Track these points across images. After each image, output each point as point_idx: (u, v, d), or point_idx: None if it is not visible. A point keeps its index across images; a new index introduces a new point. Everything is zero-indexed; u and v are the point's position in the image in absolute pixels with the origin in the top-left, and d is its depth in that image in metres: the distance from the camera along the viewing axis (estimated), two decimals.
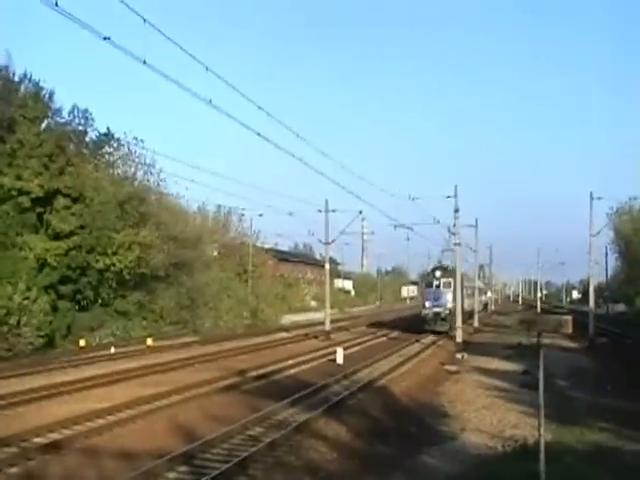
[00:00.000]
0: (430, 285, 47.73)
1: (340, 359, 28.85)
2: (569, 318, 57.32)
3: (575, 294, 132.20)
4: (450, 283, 45.67)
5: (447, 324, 45.33)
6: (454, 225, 41.57)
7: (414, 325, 49.12)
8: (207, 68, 17.23)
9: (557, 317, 62.82)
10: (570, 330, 52.52)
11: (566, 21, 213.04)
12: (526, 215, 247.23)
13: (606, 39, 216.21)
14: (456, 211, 40.99)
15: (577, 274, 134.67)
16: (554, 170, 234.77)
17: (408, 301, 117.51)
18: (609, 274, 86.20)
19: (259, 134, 21.34)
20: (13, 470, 12.18)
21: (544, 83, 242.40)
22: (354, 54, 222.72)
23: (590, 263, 47.93)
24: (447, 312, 45.68)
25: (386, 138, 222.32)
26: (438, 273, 47.64)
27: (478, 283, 68.32)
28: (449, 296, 45.82)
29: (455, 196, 40.75)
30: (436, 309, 46.24)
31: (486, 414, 19.15)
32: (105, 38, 14.47)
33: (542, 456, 10.94)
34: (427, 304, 46.86)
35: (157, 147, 74.28)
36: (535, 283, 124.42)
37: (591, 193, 43.74)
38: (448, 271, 48.37)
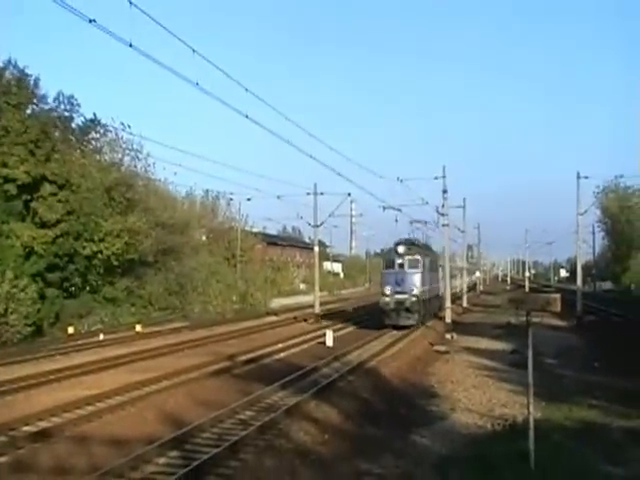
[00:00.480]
0: (391, 265, 36.45)
1: (330, 341, 28.90)
2: (557, 296, 57.06)
3: (563, 273, 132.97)
4: (418, 262, 36.10)
5: (415, 316, 35.21)
6: (442, 206, 41.47)
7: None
8: (194, 51, 17.04)
9: (545, 295, 63.03)
10: (558, 308, 52.21)
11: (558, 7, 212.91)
12: (514, 195, 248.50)
13: (598, 24, 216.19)
14: (444, 192, 40.87)
15: (565, 253, 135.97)
16: (542, 151, 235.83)
17: None
18: (596, 252, 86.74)
19: (247, 116, 21.16)
20: (2, 459, 12.13)
21: (531, 65, 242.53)
22: (343, 39, 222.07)
23: (577, 242, 48.15)
24: (414, 300, 35.09)
25: (374, 120, 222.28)
26: (401, 249, 36.13)
27: (461, 263, 63.31)
28: (416, 279, 35.68)
29: (443, 177, 40.63)
30: (399, 296, 35.01)
31: (475, 393, 19.24)
32: (91, 21, 14.26)
33: (531, 434, 11.03)
34: (387, 290, 35.37)
35: (144, 132, 73.63)
36: (523, 263, 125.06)
37: (578, 172, 43.84)
38: (416, 246, 38.54)
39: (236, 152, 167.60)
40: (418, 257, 36.20)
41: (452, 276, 50.98)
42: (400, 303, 34.94)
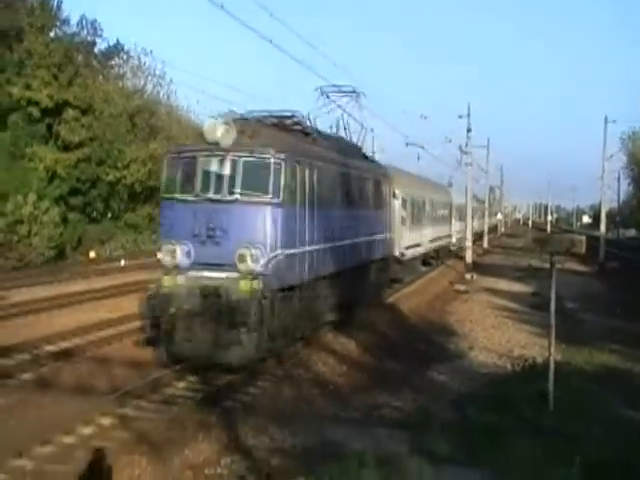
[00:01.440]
0: (187, 186, 12.81)
1: None
2: (582, 238, 57.30)
3: (586, 219, 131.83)
4: (281, 173, 12.57)
5: (251, 337, 11.78)
6: (466, 145, 40.84)
7: None
8: None
9: (570, 236, 62.89)
10: (583, 250, 52.55)
11: None
12: (539, 139, 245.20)
13: None
14: (468, 130, 40.20)
15: (588, 199, 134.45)
16: (570, 94, 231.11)
17: None
18: (621, 199, 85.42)
19: (271, 41, 20.49)
20: (26, 375, 12.31)
21: (559, 4, 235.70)
22: None
23: (602, 187, 47.41)
24: (249, 288, 11.91)
25: (400, 54, 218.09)
26: (221, 132, 12.48)
27: (455, 197, 41.86)
28: (262, 225, 12.43)
29: (468, 115, 39.92)
30: (209, 275, 12.26)
31: (494, 334, 19.19)
32: None
33: (551, 375, 10.95)
34: (168, 257, 12.52)
35: (167, 57, 72.53)
36: (545, 207, 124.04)
37: (606, 117, 43.03)
38: (271, 129, 14.43)
39: (260, 79, 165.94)
40: (270, 157, 12.64)
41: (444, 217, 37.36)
42: (204, 298, 12.03)
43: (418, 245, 28.08)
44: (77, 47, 37.80)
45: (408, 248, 25.49)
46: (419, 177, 34.87)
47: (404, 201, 25.12)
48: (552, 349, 11.37)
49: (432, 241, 31.72)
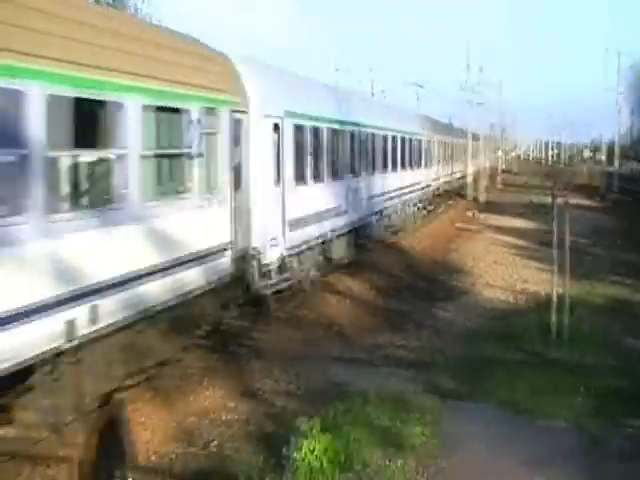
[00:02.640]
0: None
1: None
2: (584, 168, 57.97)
3: (587, 153, 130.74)
4: None
5: None
6: (466, 81, 40.38)
7: None
8: None
9: (573, 168, 63.70)
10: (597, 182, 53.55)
11: None
12: (539, 73, 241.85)
13: None
14: (468, 67, 39.77)
15: (588, 134, 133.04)
16: (569, 23, 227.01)
17: None
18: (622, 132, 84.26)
19: None
20: None
21: None
22: None
23: (618, 123, 47.04)
24: None
25: None
26: None
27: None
28: None
29: (467, 51, 39.52)
30: None
31: (498, 269, 19.05)
32: None
33: (554, 306, 11.00)
34: None
35: (166, 5, 70.62)
36: (546, 143, 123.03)
37: (606, 48, 42.69)
38: None
39: (258, 22, 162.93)
40: None
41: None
42: None
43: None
44: None
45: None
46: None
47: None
48: (555, 279, 11.39)
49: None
